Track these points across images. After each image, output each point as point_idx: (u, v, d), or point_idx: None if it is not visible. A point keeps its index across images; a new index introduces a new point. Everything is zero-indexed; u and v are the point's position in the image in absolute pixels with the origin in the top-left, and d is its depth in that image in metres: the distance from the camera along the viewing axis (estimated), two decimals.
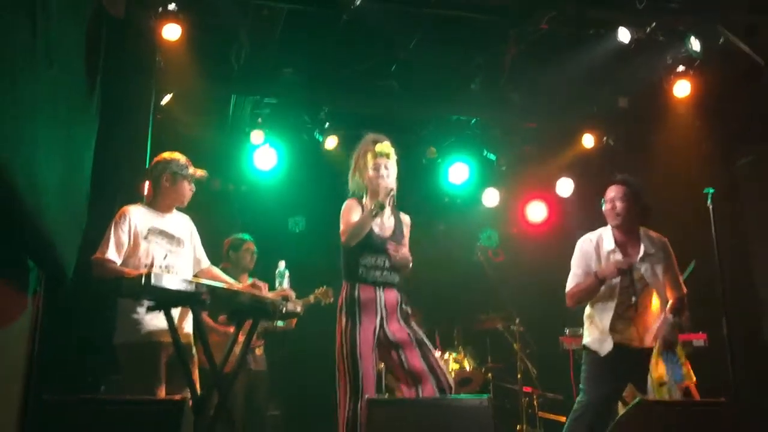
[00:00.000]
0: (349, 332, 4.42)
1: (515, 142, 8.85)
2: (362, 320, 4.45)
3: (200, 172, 4.75)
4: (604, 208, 4.81)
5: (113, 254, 4.40)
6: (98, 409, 3.48)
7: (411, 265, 4.69)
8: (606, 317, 4.62)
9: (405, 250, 4.66)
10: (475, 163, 8.85)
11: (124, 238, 4.47)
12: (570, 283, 4.80)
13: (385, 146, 4.71)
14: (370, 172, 4.67)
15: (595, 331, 4.71)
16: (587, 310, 4.81)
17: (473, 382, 7.33)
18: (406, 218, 4.84)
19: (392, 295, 4.58)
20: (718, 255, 4.62)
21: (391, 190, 4.51)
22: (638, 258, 4.66)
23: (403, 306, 4.63)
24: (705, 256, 4.82)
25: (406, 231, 4.79)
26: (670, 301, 4.69)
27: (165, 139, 6.17)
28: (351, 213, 4.63)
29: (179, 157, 4.77)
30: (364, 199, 4.72)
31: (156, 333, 4.44)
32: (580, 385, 4.71)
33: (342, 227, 4.60)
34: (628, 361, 4.55)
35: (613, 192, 4.78)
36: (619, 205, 4.70)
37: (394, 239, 4.62)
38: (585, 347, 4.77)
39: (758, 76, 6.44)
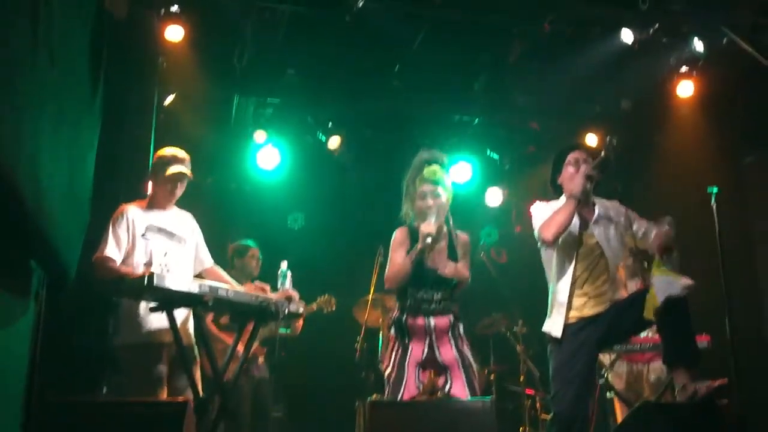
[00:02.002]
0: (399, 359, 4.31)
1: (518, 142, 8.85)
2: (412, 346, 4.34)
3: (174, 170, 4.66)
4: (563, 173, 4.56)
5: (113, 252, 4.41)
6: (101, 410, 3.51)
7: (468, 281, 4.50)
8: (565, 288, 4.36)
9: (459, 266, 4.45)
10: (478, 163, 8.85)
11: (123, 236, 4.47)
12: (538, 222, 4.47)
13: (434, 171, 4.48)
14: (419, 202, 4.46)
15: (554, 311, 4.44)
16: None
17: None
18: (463, 237, 4.60)
19: (443, 321, 4.42)
20: (722, 254, 4.59)
21: (428, 235, 4.23)
22: (593, 219, 4.44)
23: (457, 328, 4.47)
24: (708, 256, 4.79)
25: (462, 250, 4.53)
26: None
27: (168, 140, 6.17)
28: (399, 250, 4.44)
29: (167, 152, 4.74)
30: (416, 223, 4.48)
31: (158, 333, 4.44)
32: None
33: (387, 269, 4.46)
34: (589, 332, 4.26)
35: (577, 155, 4.56)
36: (584, 167, 4.44)
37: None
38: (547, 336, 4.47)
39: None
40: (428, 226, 4.28)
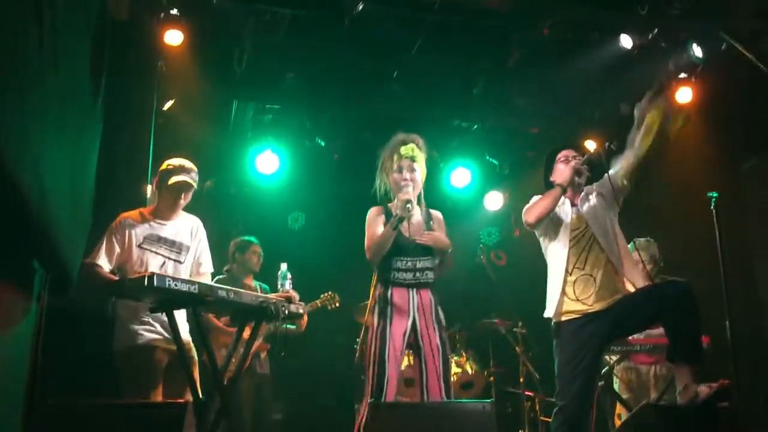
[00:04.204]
0: (380, 333, 4.43)
1: (518, 147, 8.86)
2: (393, 321, 4.46)
3: (175, 179, 4.67)
4: (555, 170, 4.70)
5: (103, 260, 4.44)
6: (101, 413, 3.51)
7: (450, 249, 4.68)
8: (559, 274, 4.45)
9: (437, 233, 4.66)
10: (477, 168, 8.86)
11: (117, 245, 4.51)
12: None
13: (411, 148, 4.70)
14: (395, 175, 4.69)
15: (550, 296, 4.50)
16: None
17: (475, 386, 7.32)
18: (437, 214, 4.83)
19: (426, 297, 4.57)
20: (722, 259, 4.60)
21: (408, 201, 4.43)
22: (580, 202, 4.56)
23: (439, 311, 4.61)
24: (708, 260, 4.80)
25: (437, 226, 4.76)
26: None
27: (167, 144, 6.17)
28: (375, 224, 4.65)
29: (173, 163, 4.76)
30: (391, 203, 4.72)
31: (154, 340, 4.50)
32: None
33: (366, 242, 4.62)
34: (594, 327, 4.28)
35: (567, 153, 4.73)
36: (574, 162, 4.60)
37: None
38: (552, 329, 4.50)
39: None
40: (406, 194, 4.47)
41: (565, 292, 4.40)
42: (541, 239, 4.71)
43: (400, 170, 4.67)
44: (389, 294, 4.53)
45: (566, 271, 4.42)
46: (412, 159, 4.68)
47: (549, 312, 4.46)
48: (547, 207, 4.47)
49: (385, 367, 4.32)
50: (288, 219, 8.99)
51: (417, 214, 4.69)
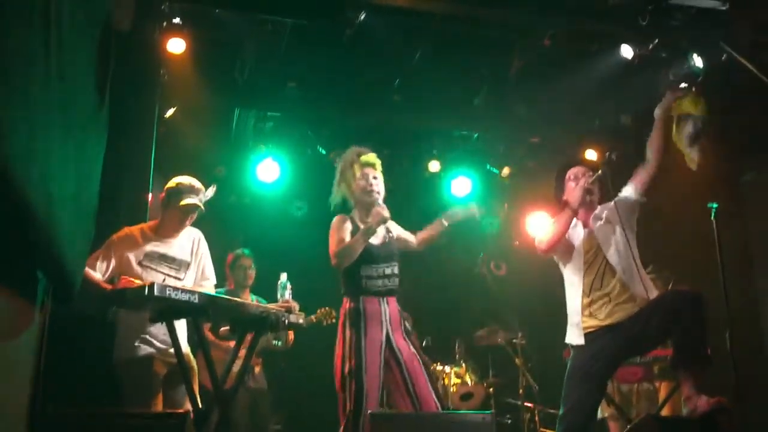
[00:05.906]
0: (354, 346, 4.40)
1: (518, 156, 8.87)
2: (368, 333, 4.43)
3: (187, 201, 4.64)
4: (566, 189, 4.64)
5: (97, 267, 4.42)
6: (103, 422, 3.51)
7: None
8: (576, 298, 4.45)
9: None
10: (478, 177, 8.86)
11: (114, 258, 4.50)
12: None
13: (371, 156, 4.78)
14: (359, 182, 4.71)
15: (570, 322, 4.49)
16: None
17: (475, 397, 7.31)
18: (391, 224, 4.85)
19: (394, 305, 4.60)
20: (722, 269, 4.61)
21: (387, 219, 4.54)
22: (591, 224, 4.54)
23: (406, 322, 4.62)
24: (709, 271, 4.80)
25: (396, 230, 4.85)
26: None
27: (168, 152, 6.17)
28: (341, 232, 4.64)
29: (184, 182, 4.73)
30: (353, 213, 4.75)
31: (154, 352, 4.50)
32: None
33: (331, 248, 4.60)
34: (608, 340, 4.28)
35: (576, 170, 4.66)
36: (583, 180, 4.54)
37: (386, 245, 4.70)
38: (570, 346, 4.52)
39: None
40: (384, 209, 4.55)
41: (583, 314, 4.40)
42: (558, 263, 4.69)
43: (365, 177, 4.71)
44: (361, 305, 4.53)
45: (583, 295, 4.41)
46: (374, 166, 4.77)
47: (573, 339, 4.43)
48: (560, 232, 4.47)
49: (362, 382, 4.29)
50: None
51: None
